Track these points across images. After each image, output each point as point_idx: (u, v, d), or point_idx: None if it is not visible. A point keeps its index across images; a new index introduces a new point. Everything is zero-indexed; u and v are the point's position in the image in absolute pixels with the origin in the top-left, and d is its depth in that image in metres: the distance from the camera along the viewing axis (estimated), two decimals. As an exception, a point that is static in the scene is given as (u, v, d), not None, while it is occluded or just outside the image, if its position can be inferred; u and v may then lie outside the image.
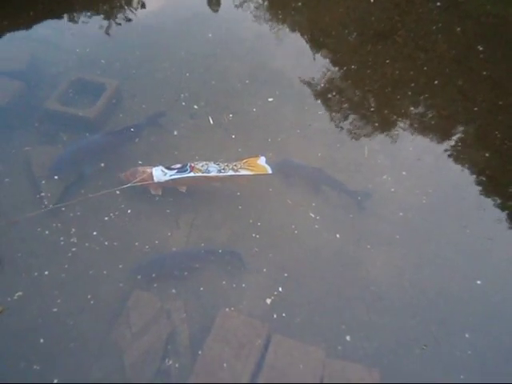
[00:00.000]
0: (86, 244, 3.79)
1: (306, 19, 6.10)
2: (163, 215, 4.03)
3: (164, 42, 5.58)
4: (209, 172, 3.95)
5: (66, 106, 4.53)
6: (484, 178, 4.48)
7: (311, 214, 4.10)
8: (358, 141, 4.73)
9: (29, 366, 3.21)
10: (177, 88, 5.07)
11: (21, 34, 5.44)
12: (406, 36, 5.76)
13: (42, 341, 3.33)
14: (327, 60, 5.51)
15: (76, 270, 3.67)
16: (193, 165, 3.99)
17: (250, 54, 5.53)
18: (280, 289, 3.67)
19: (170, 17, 5.92)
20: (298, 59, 5.49)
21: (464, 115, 5.00)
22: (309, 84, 5.24)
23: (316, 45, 5.68)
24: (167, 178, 3.93)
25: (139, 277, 3.65)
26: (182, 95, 5.00)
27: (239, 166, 4.02)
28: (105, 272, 3.63)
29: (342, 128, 4.84)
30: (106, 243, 3.83)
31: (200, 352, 3.16)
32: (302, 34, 5.84)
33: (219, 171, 3.96)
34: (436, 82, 5.27)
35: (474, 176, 4.50)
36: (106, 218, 3.98)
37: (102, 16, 5.81)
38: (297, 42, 5.73)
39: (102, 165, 4.32)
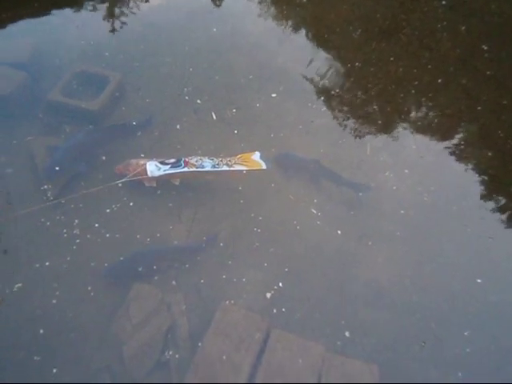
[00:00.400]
0: (88, 236, 3.79)
1: (311, 15, 6.08)
2: (165, 209, 4.04)
3: (168, 36, 5.56)
4: (203, 167, 3.95)
5: (70, 97, 4.52)
6: (486, 177, 4.48)
7: (313, 210, 4.10)
8: (361, 138, 4.72)
9: (28, 356, 3.22)
10: (180, 82, 5.06)
11: (25, 24, 5.43)
12: (411, 34, 5.74)
13: (41, 331, 3.34)
14: (331, 57, 5.49)
15: (77, 261, 3.68)
16: (187, 160, 3.99)
17: (255, 50, 5.51)
18: (280, 284, 3.68)
19: (174, 11, 5.91)
20: (302, 55, 5.47)
21: (467, 114, 4.99)
22: (312, 80, 5.24)
23: (320, 41, 5.67)
24: (161, 172, 3.93)
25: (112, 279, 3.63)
26: (186, 89, 5.00)
27: (233, 162, 4.02)
28: (106, 264, 3.64)
29: (344, 125, 4.83)
30: (108, 235, 3.83)
31: (200, 344, 3.17)
32: (307, 31, 5.82)
33: (213, 166, 3.96)
34: (440, 80, 5.26)
35: (477, 175, 4.50)
36: (108, 211, 3.98)
37: (106, 9, 5.79)
38: (301, 38, 5.72)
39: (104, 158, 4.32)
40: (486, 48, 5.56)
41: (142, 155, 4.28)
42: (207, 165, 3.97)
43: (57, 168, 4.02)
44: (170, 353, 3.26)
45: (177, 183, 4.06)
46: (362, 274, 3.78)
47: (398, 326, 3.55)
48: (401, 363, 3.38)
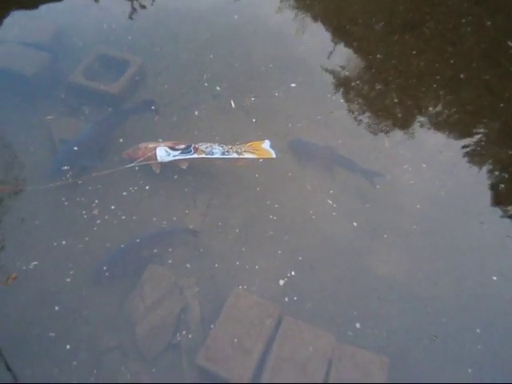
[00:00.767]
0: (106, 217, 3.84)
1: (334, 6, 6.02)
2: (181, 193, 4.06)
3: (189, 22, 5.55)
4: (212, 154, 3.95)
5: (91, 80, 4.56)
6: (506, 175, 4.41)
7: (329, 201, 4.08)
8: (380, 131, 4.68)
9: (44, 331, 3.29)
10: (200, 69, 5.07)
11: (49, 6, 5.47)
12: (434, 28, 5.66)
13: (56, 308, 3.40)
14: (353, 48, 5.44)
15: (93, 241, 3.73)
16: (197, 146, 4.00)
17: (275, 39, 5.48)
18: (293, 272, 3.69)
19: (196, -3, 5.90)
20: (323, 46, 5.43)
21: (489, 111, 4.90)
22: (333, 71, 5.19)
23: (342, 32, 5.61)
24: (171, 158, 3.94)
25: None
26: (205, 76, 5.00)
27: (243, 149, 4.02)
28: (122, 246, 3.67)
29: (363, 117, 4.79)
30: (124, 217, 3.87)
31: (211, 327, 3.20)
32: (329, 21, 5.77)
33: (223, 153, 3.97)
34: (462, 75, 5.17)
35: (496, 173, 4.43)
36: (125, 193, 4.02)
37: (129, -7, 5.81)
38: (323, 28, 5.67)
39: (121, 140, 4.35)
40: (511, 44, 5.46)
41: (160, 140, 4.30)
42: (217, 152, 3.97)
43: (64, 167, 4.00)
44: (183, 334, 3.29)
45: (184, 167, 4.06)
46: (376, 266, 3.77)
47: (410, 319, 3.54)
48: (411, 356, 3.37)
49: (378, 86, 5.09)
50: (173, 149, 3.99)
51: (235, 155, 3.96)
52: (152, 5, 5.72)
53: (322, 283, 3.65)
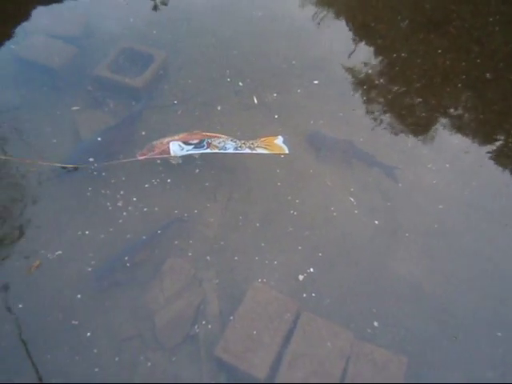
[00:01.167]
0: (129, 208, 3.88)
1: (358, 3, 5.99)
2: (202, 187, 4.08)
3: (213, 17, 5.58)
4: (225, 149, 3.96)
5: (116, 73, 4.62)
6: (532, 177, 4.34)
7: (351, 198, 4.06)
8: (403, 129, 4.64)
9: (67, 318, 3.34)
10: (223, 64, 5.09)
11: (76, 0, 5.56)
12: (461, 27, 5.58)
13: (79, 296, 3.45)
14: (377, 46, 5.40)
15: (114, 232, 3.77)
16: (210, 141, 4.01)
17: (298, 35, 5.47)
18: (311, 269, 3.68)
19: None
20: (346, 43, 5.41)
21: (516, 112, 4.83)
22: (356, 69, 5.17)
23: (366, 30, 5.57)
24: (184, 152, 3.95)
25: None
26: (228, 71, 5.01)
27: (256, 145, 4.02)
28: (144, 237, 3.71)
29: (386, 116, 4.76)
30: (146, 209, 3.91)
31: (230, 319, 3.22)
32: (353, 18, 5.74)
33: (236, 149, 3.97)
34: (488, 75, 5.10)
35: (523, 175, 4.36)
36: (147, 185, 4.06)
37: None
38: (347, 25, 5.64)
39: (143, 133, 4.39)
40: (540, 44, 5.36)
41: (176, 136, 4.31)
42: (229, 147, 3.98)
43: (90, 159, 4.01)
44: (201, 326, 3.32)
45: (196, 156, 4.12)
46: (396, 265, 3.74)
47: (429, 319, 3.50)
48: (429, 357, 3.34)
49: (402, 85, 5.04)
50: (186, 143, 4.01)
51: (248, 150, 3.98)
52: (177, 1, 5.75)
53: (341, 280, 3.63)
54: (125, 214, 3.87)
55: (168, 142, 4.00)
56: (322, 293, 3.56)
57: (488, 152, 4.52)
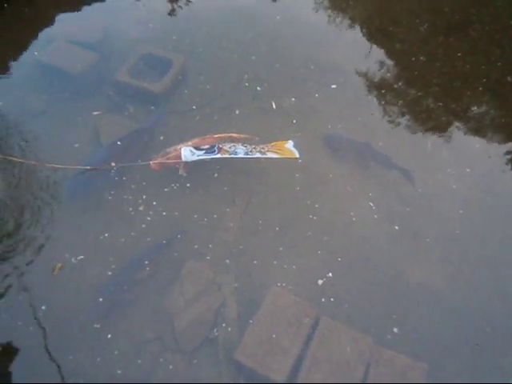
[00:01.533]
0: (150, 212, 3.92)
1: (376, 7, 5.96)
2: (221, 192, 4.10)
3: (232, 22, 5.61)
4: (236, 154, 3.95)
5: (135, 78, 4.68)
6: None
7: (370, 203, 4.05)
8: (422, 134, 4.61)
9: (87, 320, 3.39)
10: (241, 69, 5.11)
11: (97, 6, 5.63)
12: (481, 30, 5.52)
13: (100, 300, 3.49)
14: (395, 50, 5.38)
15: (134, 236, 3.82)
16: (221, 146, 4.01)
17: (317, 39, 5.47)
18: (330, 274, 3.67)
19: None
20: (364, 47, 5.39)
21: (538, 115, 4.76)
22: (374, 73, 5.15)
23: (385, 33, 5.55)
24: (195, 158, 3.95)
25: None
26: (246, 76, 5.04)
27: (266, 149, 4.02)
28: (164, 241, 3.75)
29: (405, 119, 4.73)
30: (165, 213, 3.95)
31: (250, 322, 3.23)
32: (371, 22, 5.72)
33: (246, 153, 3.96)
34: (509, 78, 5.03)
35: (545, 179, 4.29)
36: (166, 190, 4.09)
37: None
38: (365, 29, 5.62)
39: (162, 138, 4.43)
40: (562, 47, 5.28)
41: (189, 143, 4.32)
42: (240, 151, 3.97)
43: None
44: (220, 329, 3.33)
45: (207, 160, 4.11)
46: (416, 271, 3.71)
47: (450, 326, 3.47)
48: (450, 364, 3.30)
49: (421, 89, 5.00)
50: (197, 148, 4.02)
51: (258, 155, 3.98)
52: (196, 5, 5.81)
53: (361, 285, 3.62)
54: (144, 218, 3.91)
55: (180, 148, 4.04)
56: (341, 298, 3.55)
57: (508, 156, 4.46)
